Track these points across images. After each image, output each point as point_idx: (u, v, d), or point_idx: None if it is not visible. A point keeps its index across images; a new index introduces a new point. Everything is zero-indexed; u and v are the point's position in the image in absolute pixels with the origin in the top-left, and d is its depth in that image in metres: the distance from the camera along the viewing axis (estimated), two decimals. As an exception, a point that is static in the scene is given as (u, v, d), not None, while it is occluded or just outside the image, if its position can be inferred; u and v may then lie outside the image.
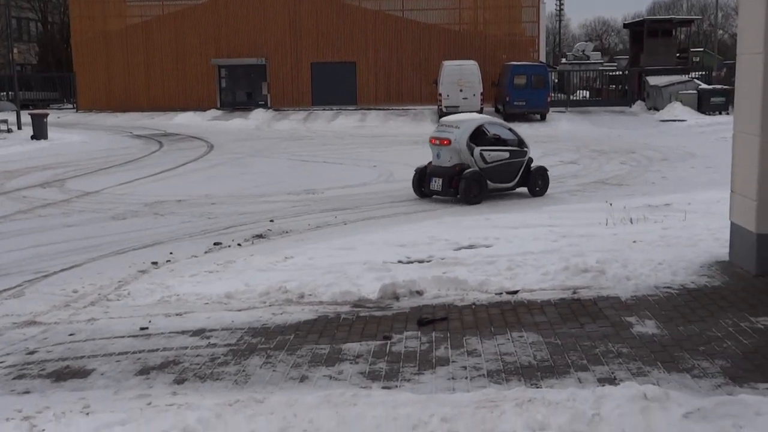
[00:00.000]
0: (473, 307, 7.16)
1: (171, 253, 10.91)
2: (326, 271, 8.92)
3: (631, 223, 11.27)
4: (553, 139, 29.67)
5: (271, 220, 13.49)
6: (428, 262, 9.25)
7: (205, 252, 11.05)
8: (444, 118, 17.08)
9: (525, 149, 16.37)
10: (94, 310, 7.89)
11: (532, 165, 16.43)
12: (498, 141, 16.30)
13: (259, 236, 12.19)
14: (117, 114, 42.75)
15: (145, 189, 17.69)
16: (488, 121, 16.79)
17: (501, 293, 7.50)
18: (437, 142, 16.02)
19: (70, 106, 47.47)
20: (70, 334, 7.10)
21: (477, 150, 15.66)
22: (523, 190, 16.25)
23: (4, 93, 46.48)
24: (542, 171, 16.52)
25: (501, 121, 17.98)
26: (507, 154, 16.01)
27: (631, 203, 13.68)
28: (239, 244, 11.56)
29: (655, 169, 20.46)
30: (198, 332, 6.92)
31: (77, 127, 35.91)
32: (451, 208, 14.82)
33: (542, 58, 47.41)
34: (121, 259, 10.66)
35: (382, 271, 8.61)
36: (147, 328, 7.14)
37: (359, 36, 43.63)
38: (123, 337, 6.92)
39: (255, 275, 8.99)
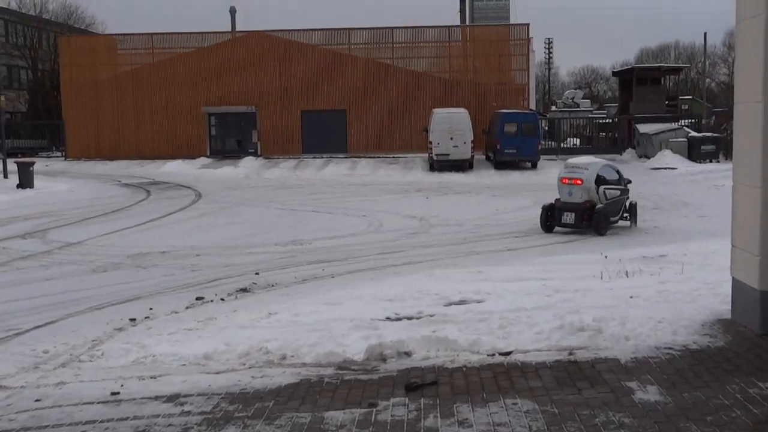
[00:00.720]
0: (464, 369, 6.77)
1: (150, 308, 10.50)
2: (311, 328, 8.54)
3: (627, 276, 10.94)
4: (544, 187, 29.38)
5: (257, 273, 13.12)
6: (417, 319, 8.88)
7: (187, 307, 10.65)
8: (571, 161, 19.08)
9: (628, 187, 18.77)
10: (65, 373, 7.46)
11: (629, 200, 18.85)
12: (610, 180, 18.52)
13: (244, 290, 11.80)
14: (106, 162, 42.49)
15: (129, 240, 17.30)
16: (606, 164, 18.91)
17: (493, 354, 7.12)
18: (569, 181, 18.20)
19: (59, 154, 47.20)
20: (36, 400, 6.66)
21: (601, 188, 18.03)
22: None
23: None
24: (635, 206, 18.99)
25: (610, 162, 19.86)
26: (618, 192, 18.36)
27: (626, 254, 13.37)
28: (222, 299, 11.16)
29: (648, 218, 20.19)
30: (172, 398, 6.50)
31: (65, 176, 35.60)
32: (458, 259, 14.46)
33: (532, 105, 47.52)
34: (98, 316, 10.25)
35: (369, 329, 8.23)
36: (118, 393, 6.71)
37: (349, 84, 43.65)
38: (92, 403, 6.49)
39: (236, 333, 8.59)
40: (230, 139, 44.90)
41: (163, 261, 14.48)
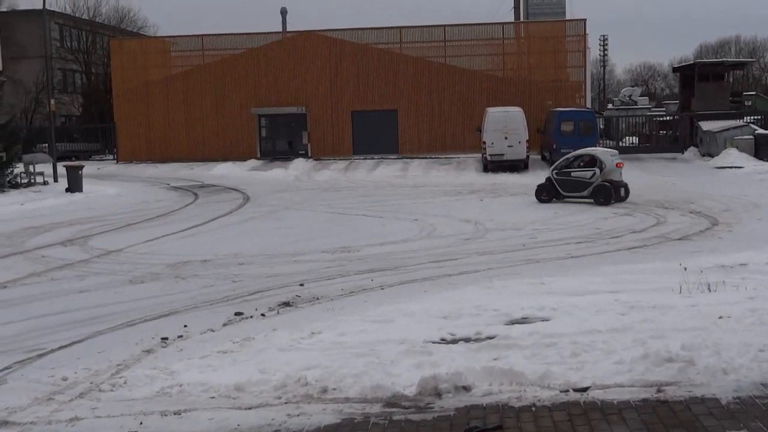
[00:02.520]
0: (533, 409, 5.80)
1: (185, 326, 9.71)
2: (357, 352, 7.65)
3: (709, 290, 9.82)
4: (604, 188, 28.16)
5: (301, 284, 12.27)
6: (476, 341, 7.93)
7: (224, 324, 9.84)
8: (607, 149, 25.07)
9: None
10: (81, 405, 6.68)
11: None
12: None
13: (286, 304, 10.97)
14: (156, 165, 42.28)
15: (171, 247, 16.63)
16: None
17: (567, 390, 6.13)
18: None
19: (111, 157, 47.19)
20: (45, 440, 5.90)
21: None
22: None
23: (45, 144, 46.31)
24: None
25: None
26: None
27: (701, 263, 12.21)
28: (262, 314, 10.34)
29: (719, 221, 18.90)
30: (196, 441, 5.67)
31: (115, 179, 35.36)
32: (499, 270, 13.46)
33: (588, 103, 46.04)
34: (128, 334, 9.50)
35: (422, 354, 7.31)
36: (136, 432, 5.91)
37: (401, 83, 42.75)
38: (105, 445, 5.69)
39: (274, 357, 7.75)
40: (280, 141, 44.34)
41: (204, 270, 13.74)
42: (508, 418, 5.66)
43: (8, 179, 29.56)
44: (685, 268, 10.11)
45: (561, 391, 6.13)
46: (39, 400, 6.90)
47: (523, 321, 8.85)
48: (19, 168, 31.12)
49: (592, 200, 22.82)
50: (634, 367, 6.41)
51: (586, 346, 7.14)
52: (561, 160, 24.03)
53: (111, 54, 47.75)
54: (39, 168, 31.88)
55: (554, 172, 23.59)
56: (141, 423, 6.11)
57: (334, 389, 6.57)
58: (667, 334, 7.23)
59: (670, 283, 10.43)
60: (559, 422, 5.54)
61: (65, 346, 8.99)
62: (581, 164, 23.55)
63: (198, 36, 45.78)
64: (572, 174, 23.40)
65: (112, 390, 7.08)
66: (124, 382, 7.23)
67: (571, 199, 23.49)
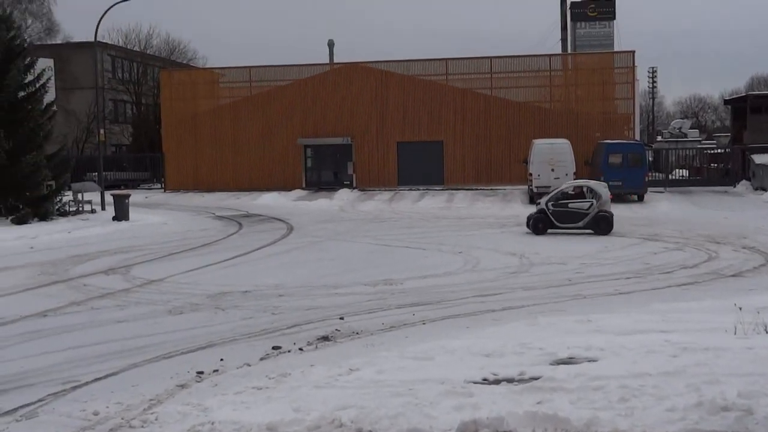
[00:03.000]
0: (579, 459, 5.47)
1: (221, 359, 9.53)
2: (395, 392, 7.38)
3: (766, 332, 9.36)
4: (653, 221, 27.63)
5: (341, 318, 12.05)
6: (519, 382, 7.61)
7: (261, 359, 9.64)
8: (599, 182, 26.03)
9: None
10: (111, 442, 6.51)
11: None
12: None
13: (325, 338, 10.74)
14: (203, 194, 42.60)
15: (212, 277, 16.54)
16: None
17: (615, 439, 5.79)
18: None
19: (159, 185, 47.72)
20: (71, 479, 5.72)
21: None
22: None
23: (95, 173, 47.02)
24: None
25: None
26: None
27: (757, 302, 11.69)
28: (300, 349, 10.12)
29: (775, 257, 18.30)
30: (224, 484, 5.44)
31: (161, 208, 35.63)
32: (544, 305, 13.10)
33: (637, 135, 45.42)
34: (164, 366, 9.34)
35: (462, 396, 7.01)
36: (164, 473, 5.70)
37: (447, 114, 42.63)
38: (131, 487, 5.49)
39: (310, 395, 7.51)
40: (326, 171, 44.44)
41: (244, 302, 13.58)
42: (552, 469, 5.34)
43: (57, 207, 29.91)
44: (740, 308, 9.66)
45: (608, 440, 5.80)
46: (68, 436, 6.75)
47: (569, 361, 8.50)
48: (68, 196, 31.51)
49: (588, 230, 23.73)
50: (687, 416, 6.04)
51: (636, 390, 6.78)
52: (554, 192, 24.43)
53: (161, 85, 48.51)
54: (87, 196, 32.27)
55: (549, 204, 23.95)
56: (169, 463, 5.91)
57: (370, 431, 6.31)
58: (722, 379, 6.84)
59: (724, 323, 9.98)
60: (606, 474, 5.21)
61: (100, 379, 8.85)
62: (574, 196, 24.33)
63: (246, 68, 46.26)
64: (569, 206, 23.98)
65: (142, 426, 6.90)
66: (156, 419, 7.05)
67: (567, 230, 23.38)
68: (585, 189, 24.44)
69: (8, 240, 23.24)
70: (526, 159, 35.17)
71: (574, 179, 33.31)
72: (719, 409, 6.03)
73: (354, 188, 42.19)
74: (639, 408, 6.34)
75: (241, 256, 19.96)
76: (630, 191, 34.42)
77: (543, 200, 24.30)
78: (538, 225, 23.87)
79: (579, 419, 6.08)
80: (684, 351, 8.43)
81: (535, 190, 33.63)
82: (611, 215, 23.93)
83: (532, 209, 32.20)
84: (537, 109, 42.39)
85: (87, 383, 8.69)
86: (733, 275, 16.14)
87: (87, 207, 31.67)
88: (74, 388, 8.51)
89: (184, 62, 67.12)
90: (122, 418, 7.16)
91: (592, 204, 23.88)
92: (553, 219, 23.85)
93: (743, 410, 5.95)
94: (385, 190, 40.77)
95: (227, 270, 17.64)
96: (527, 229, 24.21)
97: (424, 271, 16.94)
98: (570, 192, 24.34)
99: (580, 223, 23.76)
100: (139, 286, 15.40)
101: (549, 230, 23.90)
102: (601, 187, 24.42)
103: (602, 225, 23.72)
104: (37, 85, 29.81)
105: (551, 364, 8.39)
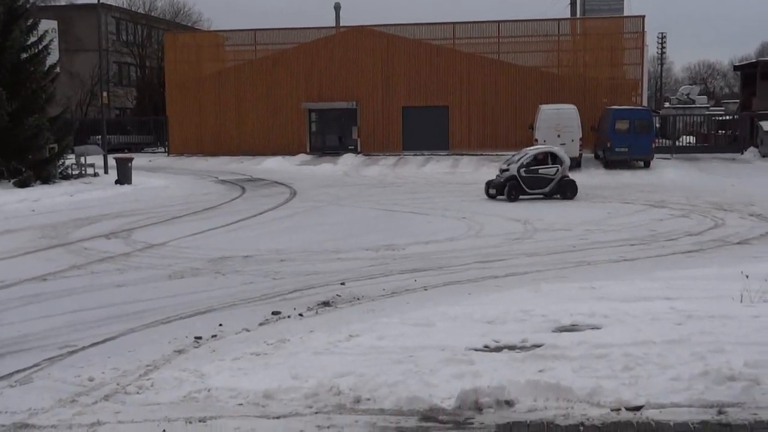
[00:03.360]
0: (581, 429, 5.36)
1: (220, 324, 9.42)
2: (395, 359, 7.25)
3: (773, 300, 9.20)
4: (659, 188, 27.40)
5: (342, 283, 11.93)
6: (521, 349, 7.48)
7: (260, 324, 9.53)
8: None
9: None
10: (105, 409, 6.40)
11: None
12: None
13: (326, 304, 10.63)
14: (207, 158, 42.39)
15: (214, 241, 16.43)
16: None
17: (619, 408, 5.66)
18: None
19: (163, 149, 47.49)
20: (63, 446, 5.62)
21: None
22: None
23: (99, 136, 46.84)
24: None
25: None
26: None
27: (764, 269, 11.54)
28: (300, 315, 10.00)
29: (783, 224, 18.12)
30: (218, 451, 5.34)
31: (164, 171, 35.46)
32: (550, 272, 12.96)
33: (644, 102, 44.94)
34: (163, 331, 9.24)
35: (463, 363, 6.88)
36: (158, 440, 5.60)
37: (452, 79, 42.19)
38: (124, 454, 5.40)
39: (308, 361, 7.39)
40: (330, 136, 44.12)
41: (245, 266, 13.47)
42: (553, 439, 5.23)
43: (59, 170, 29.77)
44: (747, 276, 9.51)
45: (612, 410, 5.66)
46: (63, 402, 6.64)
47: (572, 328, 8.37)
48: (71, 159, 31.36)
49: (555, 196, 24.05)
50: (692, 385, 5.90)
51: (640, 359, 6.65)
52: (522, 157, 24.29)
53: (165, 47, 48.05)
54: (90, 160, 32.11)
55: (522, 170, 23.91)
56: (164, 430, 5.80)
57: (368, 399, 6.19)
58: (728, 348, 6.70)
59: (730, 290, 9.82)
60: (609, 445, 5.09)
61: (97, 344, 8.76)
62: (541, 162, 24.25)
63: (251, 30, 45.74)
64: (539, 171, 24.06)
65: (138, 393, 6.79)
66: (151, 385, 6.94)
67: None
68: (549, 155, 24.42)
69: (10, 203, 23.14)
70: (532, 124, 34.85)
71: (580, 144, 33.10)
72: (725, 378, 5.90)
73: (358, 153, 41.94)
74: (643, 377, 6.21)
75: (244, 220, 19.84)
76: (636, 157, 34.15)
77: (512, 167, 24.14)
78: (512, 192, 23.76)
79: (582, 388, 5.95)
80: (689, 319, 8.28)
81: (541, 155, 33.35)
82: (573, 180, 24.54)
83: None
84: (544, 74, 41.94)
85: (84, 348, 8.59)
86: (738, 242, 15.97)
87: (90, 170, 31.53)
88: (71, 353, 8.41)
89: (189, 25, 66.57)
90: (118, 384, 7.06)
91: (557, 169, 24.11)
92: (523, 185, 23.85)
93: (750, 380, 5.82)
94: (390, 155, 40.51)
95: (229, 234, 17.52)
96: (485, 196, 24.35)
97: (427, 236, 16.80)
98: (539, 158, 24.32)
99: (547, 189, 23.95)
100: (140, 250, 15.29)
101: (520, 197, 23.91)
102: (564, 153, 24.78)
103: (568, 190, 24.15)
104: (40, 47, 29.54)
105: (554, 332, 8.25)
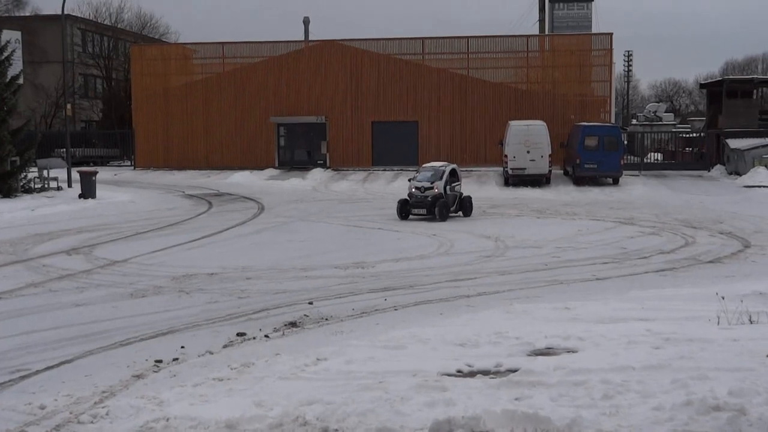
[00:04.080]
0: (561, 463, 5.07)
1: (182, 347, 9.05)
2: (364, 386, 6.94)
3: (750, 321, 9.04)
4: (628, 205, 27.38)
5: (310, 303, 11.59)
6: (495, 375, 7.21)
7: (224, 346, 9.17)
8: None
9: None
10: (56, 440, 6.02)
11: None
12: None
13: (293, 324, 10.29)
14: (174, 172, 41.82)
15: (178, 258, 16.00)
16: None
17: (600, 441, 5.39)
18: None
19: (129, 163, 46.79)
20: (7, 483, 5.24)
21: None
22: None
23: (63, 149, 46.05)
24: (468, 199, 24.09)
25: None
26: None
27: (737, 289, 11.41)
28: (266, 336, 9.65)
29: (752, 243, 18.06)
30: (175, 489, 4.98)
31: (130, 186, 34.85)
32: (522, 291, 12.72)
33: (612, 119, 45.16)
34: (121, 354, 8.84)
35: (436, 390, 6.59)
36: (110, 477, 5.23)
37: (422, 94, 42.08)
38: (73, 493, 5.02)
39: (274, 387, 7.06)
40: (299, 150, 43.72)
41: (210, 285, 13.08)
42: (533, 475, 4.94)
43: (21, 184, 29.10)
44: (723, 298, 9.33)
45: (592, 442, 5.40)
46: (9, 433, 6.25)
47: (547, 352, 8.12)
48: (34, 173, 30.68)
49: (458, 213, 23.33)
50: (675, 416, 5.64)
51: (619, 386, 6.39)
52: (440, 174, 23.00)
53: (131, 60, 47.42)
54: (54, 173, 31.46)
55: (447, 187, 22.94)
56: (117, 465, 5.44)
57: (336, 430, 5.86)
58: (710, 375, 6.47)
59: (706, 311, 9.69)
60: (591, 481, 4.81)
61: (51, 367, 8.34)
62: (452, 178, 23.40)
63: (219, 43, 45.35)
64: (455, 188, 23.46)
65: (92, 422, 6.40)
66: (107, 413, 6.56)
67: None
68: (452, 171, 23.51)
69: (-32, 217, 22.51)
70: (501, 140, 34.78)
71: (549, 160, 33.08)
72: (710, 408, 5.65)
73: (327, 168, 41.62)
74: (624, 406, 5.95)
75: (210, 236, 19.42)
76: (605, 174, 34.19)
77: (437, 183, 22.75)
78: (443, 211, 22.52)
79: (561, 419, 5.67)
80: (667, 342, 8.07)
81: (510, 171, 33.30)
82: (470, 197, 24.08)
83: (507, 191, 32.05)
84: (514, 90, 41.97)
85: (38, 372, 8.19)
86: (710, 261, 15.87)
87: (53, 184, 30.88)
88: (23, 377, 8.00)
89: (156, 37, 65.87)
90: (70, 413, 6.67)
91: (459, 185, 23.82)
92: (448, 203, 22.97)
93: (735, 410, 5.57)
94: (359, 170, 40.25)
95: (194, 251, 17.10)
96: (397, 216, 22.90)
97: (397, 253, 16.52)
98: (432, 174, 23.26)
99: (454, 206, 23.23)
100: (101, 267, 14.83)
101: (410, 217, 22.80)
102: (456, 169, 23.95)
103: (468, 207, 23.63)
104: (1, 58, 28.89)
105: (529, 355, 8.01)
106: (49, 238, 18.88)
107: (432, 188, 22.74)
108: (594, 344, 8.23)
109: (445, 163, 24.65)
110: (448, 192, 22.88)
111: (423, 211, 22.64)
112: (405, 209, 22.90)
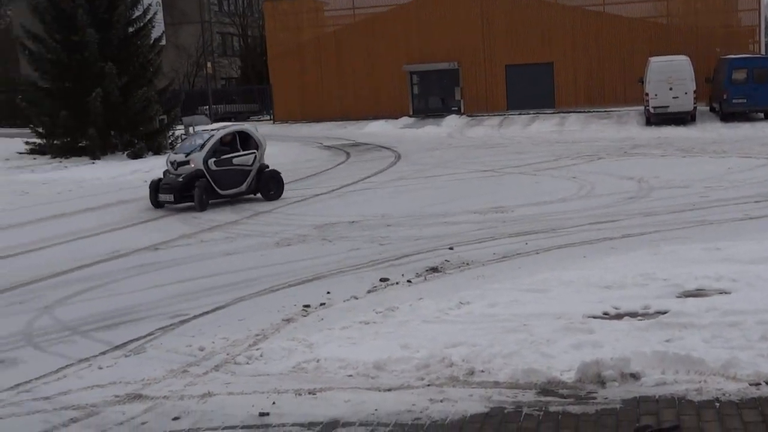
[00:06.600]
0: (717, 405, 4.94)
1: (328, 292, 9.29)
2: (508, 327, 6.95)
3: None
4: (782, 141, 25.87)
5: (451, 248, 11.63)
6: (643, 317, 7.05)
7: (368, 291, 9.36)
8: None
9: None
10: (216, 379, 6.36)
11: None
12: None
13: (434, 270, 10.36)
14: (311, 124, 42.58)
15: (320, 207, 16.39)
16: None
17: (758, 383, 5.20)
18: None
19: (269, 117, 48.03)
20: (174, 418, 5.59)
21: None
22: None
23: (206, 107, 47.73)
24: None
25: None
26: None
27: None
28: (409, 281, 9.78)
29: None
30: (329, 426, 5.18)
31: (270, 139, 35.38)
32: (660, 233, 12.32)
33: (762, 50, 42.58)
34: (271, 300, 9.19)
35: (582, 333, 6.52)
36: (267, 414, 5.49)
37: (557, 35, 40.90)
38: (234, 427, 5.30)
39: (418, 330, 7.18)
40: (433, 98, 43.58)
41: (351, 232, 13.34)
42: (687, 416, 4.82)
43: (169, 141, 30.42)
44: None
45: (750, 384, 5.21)
46: (174, 372, 6.63)
47: (698, 293, 7.87)
48: (180, 130, 32.00)
49: (255, 195, 17.54)
50: (841, 357, 5.38)
51: (778, 327, 6.13)
52: (206, 142, 16.86)
53: (265, 16, 48.37)
54: (198, 129, 32.66)
55: (212, 161, 16.60)
56: (274, 403, 5.69)
57: (482, 371, 5.91)
58: None
59: None
60: (750, 423, 4.65)
61: (207, 313, 8.78)
62: (230, 146, 17.35)
63: (349, -6, 45.55)
64: (233, 161, 17.10)
65: (248, 363, 6.72)
66: (261, 355, 6.86)
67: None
68: (237, 136, 17.64)
69: (124, 174, 23.78)
70: (641, 78, 33.50)
71: (694, 97, 31.63)
72: None
73: (462, 114, 41.31)
74: (784, 347, 5.71)
75: (349, 185, 19.75)
76: (756, 108, 32.36)
77: (195, 156, 16.61)
78: (203, 195, 16.29)
79: (715, 360, 5.50)
80: (830, 282, 7.67)
81: (652, 110, 32.05)
82: (277, 171, 18.10)
83: (649, 131, 30.91)
84: (653, 26, 40.18)
85: (195, 317, 8.63)
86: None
87: (196, 141, 32.07)
88: (182, 322, 8.46)
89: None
90: (227, 354, 7.01)
91: (255, 157, 17.52)
92: (213, 183, 16.58)
93: None
94: (494, 115, 39.73)
95: (335, 200, 17.45)
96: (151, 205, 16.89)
97: (537, 197, 16.29)
98: (226, 141, 17.36)
99: (244, 186, 17.20)
100: (248, 218, 15.39)
101: (211, 201, 16.61)
102: (259, 133, 18.44)
103: (272, 186, 17.66)
104: (145, 21, 30.07)
105: (678, 297, 7.79)
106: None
107: (187, 163, 16.67)
108: (748, 285, 7.90)
109: (230, 126, 18.93)
110: (213, 168, 16.56)
111: (170, 197, 16.36)
112: (155, 195, 16.78)
